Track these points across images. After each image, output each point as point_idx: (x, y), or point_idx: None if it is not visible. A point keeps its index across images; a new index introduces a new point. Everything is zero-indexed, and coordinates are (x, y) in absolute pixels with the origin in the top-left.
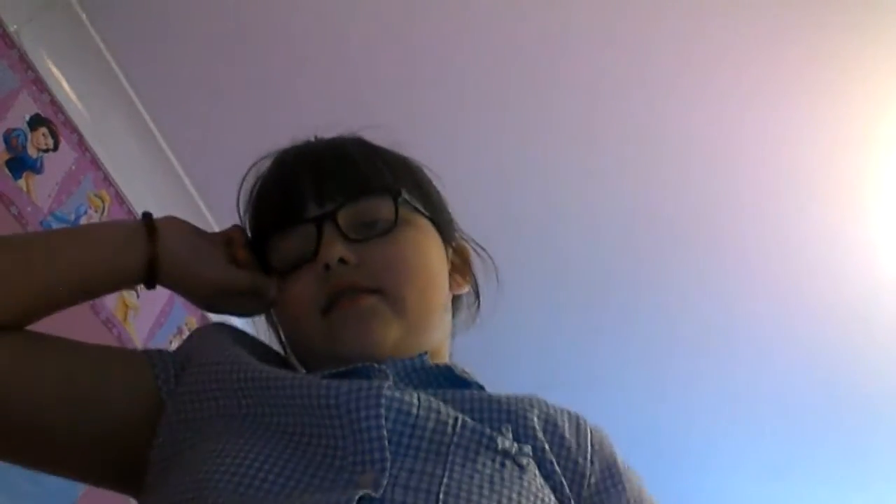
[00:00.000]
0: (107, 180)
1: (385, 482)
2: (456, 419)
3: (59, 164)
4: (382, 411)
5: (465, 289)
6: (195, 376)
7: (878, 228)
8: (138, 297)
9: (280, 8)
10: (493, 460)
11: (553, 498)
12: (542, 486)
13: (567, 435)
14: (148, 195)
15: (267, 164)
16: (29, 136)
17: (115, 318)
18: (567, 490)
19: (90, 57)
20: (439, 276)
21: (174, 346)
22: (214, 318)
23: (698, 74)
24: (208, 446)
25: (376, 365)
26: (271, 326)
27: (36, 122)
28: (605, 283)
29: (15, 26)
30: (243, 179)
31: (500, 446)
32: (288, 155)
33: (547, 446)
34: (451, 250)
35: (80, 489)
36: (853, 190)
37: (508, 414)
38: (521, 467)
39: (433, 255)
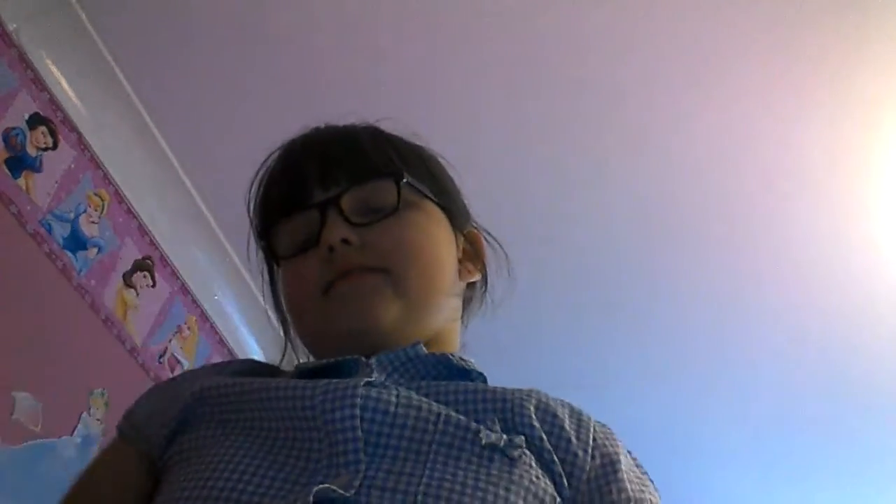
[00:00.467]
0: (106, 179)
1: (358, 483)
2: (438, 415)
3: (58, 162)
4: (357, 411)
5: (476, 277)
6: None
7: (882, 227)
8: (138, 295)
9: (281, 7)
10: (479, 456)
11: (552, 490)
12: (537, 478)
13: (566, 426)
14: (147, 194)
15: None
16: (28, 135)
17: (114, 316)
18: (565, 482)
19: (89, 56)
20: (444, 261)
21: (174, 344)
22: (215, 316)
23: (708, 75)
24: (186, 462)
25: (363, 358)
26: (279, 316)
27: (35, 120)
28: (617, 282)
29: (14, 25)
30: (257, 172)
31: (485, 441)
32: (297, 141)
33: (544, 436)
34: (462, 238)
35: None
36: (858, 188)
37: (503, 403)
38: (512, 460)
39: (439, 239)
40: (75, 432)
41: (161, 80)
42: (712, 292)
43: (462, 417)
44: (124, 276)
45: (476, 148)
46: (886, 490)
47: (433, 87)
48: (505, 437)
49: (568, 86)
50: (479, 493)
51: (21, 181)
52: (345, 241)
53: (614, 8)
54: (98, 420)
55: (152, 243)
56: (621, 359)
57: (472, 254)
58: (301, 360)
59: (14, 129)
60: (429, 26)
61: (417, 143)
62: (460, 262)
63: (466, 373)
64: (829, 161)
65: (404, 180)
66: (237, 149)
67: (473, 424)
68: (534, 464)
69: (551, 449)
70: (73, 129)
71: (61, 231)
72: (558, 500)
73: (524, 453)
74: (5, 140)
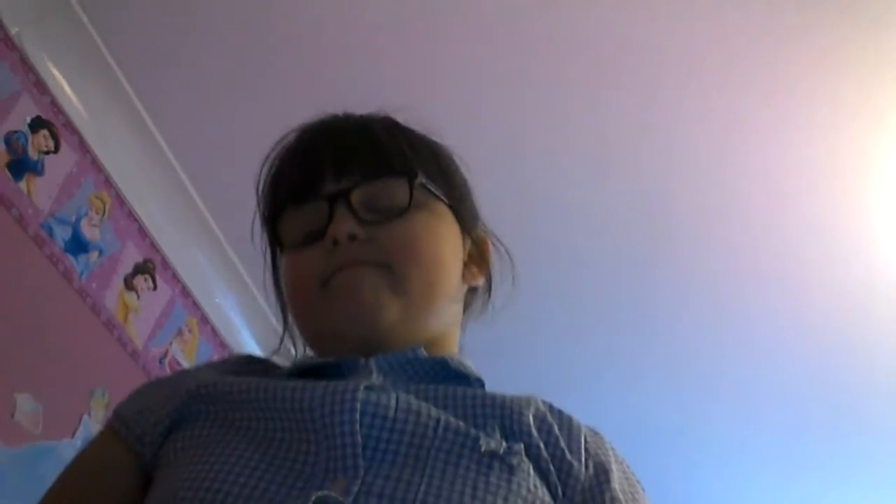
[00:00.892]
0: (107, 182)
1: (356, 489)
2: (438, 421)
3: (59, 166)
4: (357, 416)
5: (480, 281)
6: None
7: (883, 226)
8: (139, 298)
9: (281, 6)
10: (479, 463)
11: (548, 499)
12: (535, 487)
13: (562, 436)
14: (148, 196)
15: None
16: (30, 139)
17: (115, 319)
18: (560, 492)
19: (91, 59)
20: (449, 264)
21: (175, 347)
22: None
23: (709, 74)
24: (182, 460)
25: (362, 360)
26: (279, 302)
27: (37, 124)
28: (617, 281)
29: (16, 29)
30: (268, 154)
31: (484, 448)
32: (311, 127)
33: (542, 445)
34: (469, 241)
35: None
36: (858, 187)
37: (502, 410)
38: (511, 467)
39: (446, 241)
40: (76, 434)
41: (163, 83)
42: (712, 291)
43: (461, 423)
44: (125, 278)
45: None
46: (887, 490)
47: (433, 86)
48: (504, 444)
49: (568, 84)
50: (478, 503)
51: (22, 184)
52: (351, 237)
53: (616, 5)
54: (99, 422)
55: (153, 246)
56: (620, 357)
57: (477, 258)
58: (300, 352)
59: (16, 132)
60: (429, 26)
61: (433, 139)
62: (465, 265)
63: (465, 377)
64: (829, 160)
65: (418, 180)
66: (239, 152)
67: (473, 431)
68: (532, 472)
69: (548, 458)
70: (75, 132)
71: (62, 234)
72: None
73: (523, 461)
74: (7, 143)
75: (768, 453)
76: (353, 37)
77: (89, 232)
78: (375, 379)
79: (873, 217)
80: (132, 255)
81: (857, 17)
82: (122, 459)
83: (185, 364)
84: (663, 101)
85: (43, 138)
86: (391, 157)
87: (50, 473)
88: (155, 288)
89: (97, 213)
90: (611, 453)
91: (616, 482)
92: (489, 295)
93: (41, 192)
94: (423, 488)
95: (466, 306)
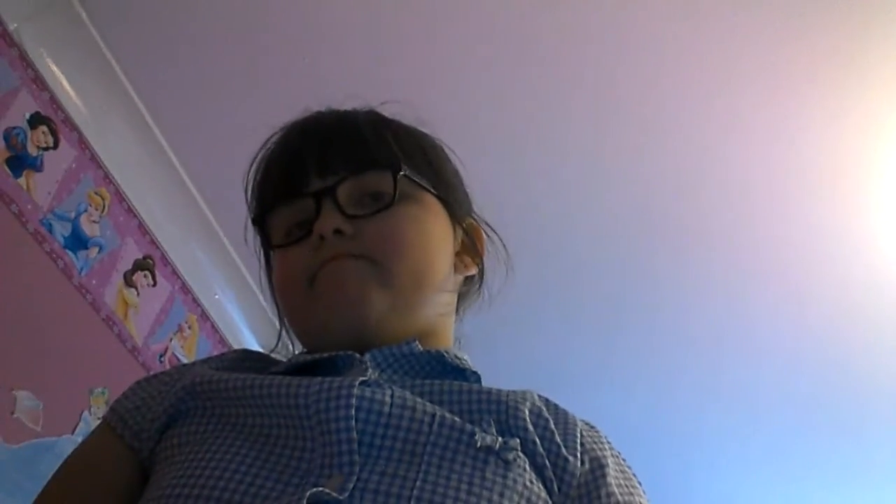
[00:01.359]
0: (107, 178)
1: (352, 486)
2: (433, 416)
3: (58, 162)
4: (352, 412)
5: (473, 271)
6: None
7: (884, 224)
8: (138, 294)
9: (282, 3)
10: (474, 458)
11: (544, 495)
12: (531, 482)
13: (558, 431)
14: (148, 193)
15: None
16: (29, 135)
17: (115, 315)
18: (556, 487)
19: (90, 55)
20: (438, 254)
21: (175, 343)
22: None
23: (711, 73)
24: (178, 456)
25: (357, 355)
26: (274, 301)
27: (36, 120)
28: (618, 278)
29: (15, 24)
30: (256, 154)
31: (480, 443)
32: (296, 126)
33: (538, 440)
34: (460, 230)
35: None
36: (859, 186)
37: (498, 405)
38: (507, 463)
39: (434, 232)
40: (76, 431)
41: (162, 79)
42: (712, 291)
43: (457, 419)
44: (125, 275)
45: (475, 144)
46: (887, 490)
47: (434, 86)
48: (500, 439)
49: (569, 81)
50: (474, 500)
51: (22, 180)
52: (337, 232)
53: (616, 5)
54: (99, 419)
55: (153, 242)
56: (621, 356)
57: (470, 247)
58: (296, 350)
59: (15, 128)
60: (430, 25)
61: (421, 130)
62: (458, 254)
63: (461, 372)
64: (830, 160)
65: (402, 173)
66: (238, 148)
67: (468, 426)
68: (528, 467)
69: (544, 453)
70: (74, 128)
71: (62, 230)
72: None
73: (519, 456)
74: (6, 139)
75: (768, 453)
76: (352, 33)
77: (89, 228)
78: (371, 374)
79: (873, 217)
80: (132, 252)
81: (857, 18)
82: (120, 455)
83: (186, 361)
84: (663, 101)
85: (42, 134)
86: (375, 151)
87: (50, 470)
88: (154, 284)
89: (97, 210)
90: (607, 448)
91: (612, 477)
92: (481, 284)
93: (40, 188)
94: (418, 484)
95: (462, 296)
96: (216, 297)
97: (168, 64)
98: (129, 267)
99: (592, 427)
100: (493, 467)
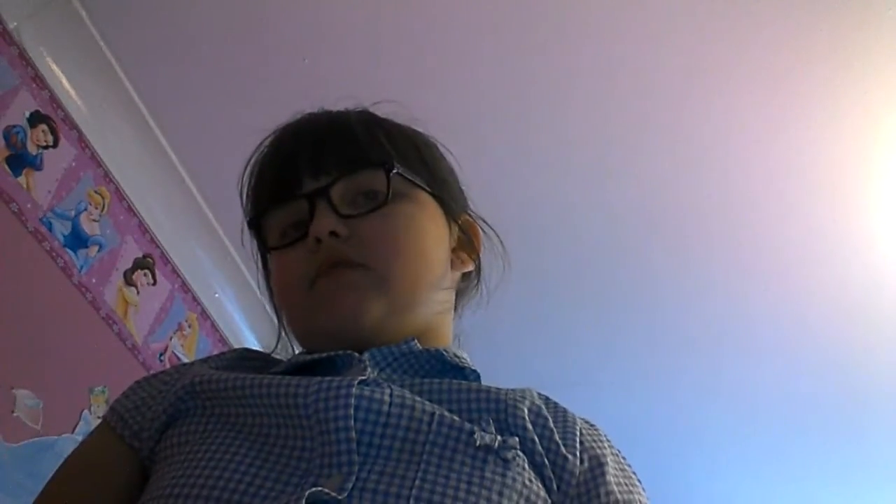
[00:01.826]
0: (107, 177)
1: (351, 485)
2: (432, 415)
3: (58, 160)
4: (351, 411)
5: (470, 267)
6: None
7: (884, 224)
8: (138, 293)
9: (282, 4)
10: (473, 457)
11: (543, 493)
12: (530, 481)
13: (557, 430)
14: (148, 191)
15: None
16: (29, 133)
17: (115, 314)
18: (555, 485)
19: (90, 54)
20: (433, 253)
21: (175, 342)
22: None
23: (711, 72)
24: (178, 456)
25: (356, 354)
26: (272, 304)
27: (36, 118)
28: (618, 277)
29: (14, 23)
30: (250, 157)
31: (479, 442)
32: (289, 128)
33: (537, 439)
34: (456, 227)
35: None
36: (859, 186)
37: (497, 403)
38: (506, 461)
39: (428, 230)
40: (76, 430)
41: (162, 78)
42: (712, 290)
43: (456, 418)
44: (125, 273)
45: (475, 141)
46: (887, 490)
47: (434, 86)
48: (499, 438)
49: (569, 83)
50: (473, 499)
51: (22, 179)
52: (333, 234)
53: (617, 5)
54: (99, 418)
55: (153, 241)
56: (619, 356)
57: (466, 243)
58: (295, 350)
59: (15, 126)
60: (430, 25)
61: (413, 128)
62: (454, 251)
63: (460, 370)
64: (829, 160)
65: (395, 171)
66: (238, 146)
67: (467, 425)
68: (527, 466)
69: (543, 452)
70: (74, 126)
71: (62, 229)
72: (549, 503)
73: (518, 455)
74: (6, 138)
75: (768, 453)
76: (353, 32)
77: (89, 227)
78: (370, 374)
79: (873, 217)
80: (132, 250)
81: (856, 18)
82: (119, 455)
83: (185, 359)
84: (664, 101)
85: (42, 133)
86: (367, 150)
87: (50, 469)
88: (154, 283)
89: (96, 208)
90: (606, 446)
91: (611, 475)
92: (479, 280)
93: (40, 186)
94: (417, 483)
95: (460, 293)
96: (216, 295)
97: (168, 63)
98: (129, 265)
99: (592, 425)
100: (492, 466)
